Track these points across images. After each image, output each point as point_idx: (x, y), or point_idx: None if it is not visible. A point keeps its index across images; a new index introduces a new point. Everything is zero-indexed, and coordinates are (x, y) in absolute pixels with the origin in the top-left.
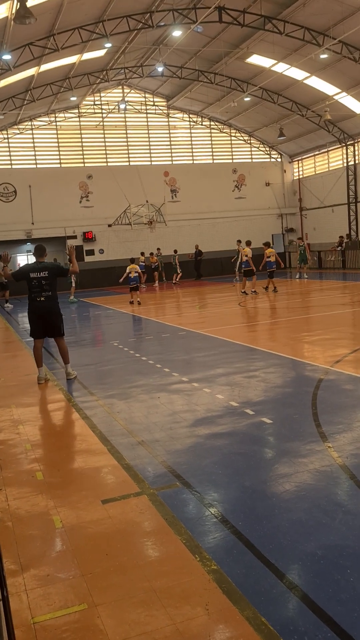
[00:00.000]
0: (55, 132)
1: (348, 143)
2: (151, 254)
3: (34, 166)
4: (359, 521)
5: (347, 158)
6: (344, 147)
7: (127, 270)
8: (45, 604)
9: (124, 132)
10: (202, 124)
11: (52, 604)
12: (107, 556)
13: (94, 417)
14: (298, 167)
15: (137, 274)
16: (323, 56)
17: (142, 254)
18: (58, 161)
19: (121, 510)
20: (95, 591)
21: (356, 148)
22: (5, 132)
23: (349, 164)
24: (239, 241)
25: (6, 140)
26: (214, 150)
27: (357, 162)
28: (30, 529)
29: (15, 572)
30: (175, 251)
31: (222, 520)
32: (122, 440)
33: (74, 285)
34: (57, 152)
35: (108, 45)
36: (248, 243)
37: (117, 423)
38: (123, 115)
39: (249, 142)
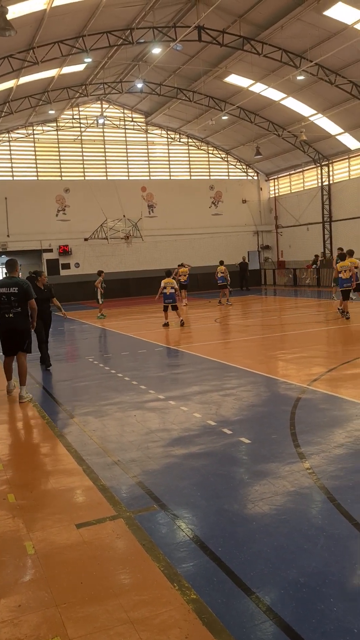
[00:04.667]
0: (32, 144)
1: (323, 163)
2: (181, 264)
3: (11, 178)
4: (341, 547)
5: (321, 178)
6: (319, 168)
7: (162, 285)
8: (16, 638)
9: (102, 146)
10: (180, 141)
11: (23, 638)
12: (82, 584)
13: (69, 436)
14: (274, 186)
15: (173, 290)
16: (300, 78)
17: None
18: (35, 174)
19: (97, 535)
20: (69, 623)
21: (330, 169)
22: None
23: (324, 184)
24: (341, 249)
25: None
26: (191, 166)
27: (331, 182)
28: (1, 556)
29: None
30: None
31: (202, 546)
32: (98, 460)
33: (101, 302)
34: (35, 165)
35: (88, 60)
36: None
37: (93, 442)
38: (101, 130)
39: (226, 159)
